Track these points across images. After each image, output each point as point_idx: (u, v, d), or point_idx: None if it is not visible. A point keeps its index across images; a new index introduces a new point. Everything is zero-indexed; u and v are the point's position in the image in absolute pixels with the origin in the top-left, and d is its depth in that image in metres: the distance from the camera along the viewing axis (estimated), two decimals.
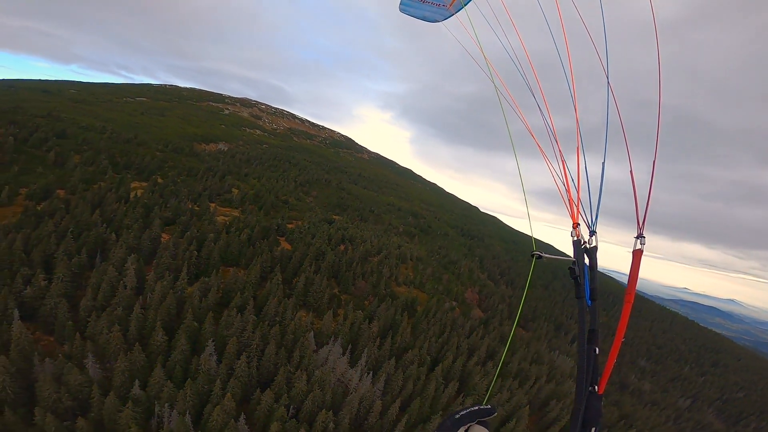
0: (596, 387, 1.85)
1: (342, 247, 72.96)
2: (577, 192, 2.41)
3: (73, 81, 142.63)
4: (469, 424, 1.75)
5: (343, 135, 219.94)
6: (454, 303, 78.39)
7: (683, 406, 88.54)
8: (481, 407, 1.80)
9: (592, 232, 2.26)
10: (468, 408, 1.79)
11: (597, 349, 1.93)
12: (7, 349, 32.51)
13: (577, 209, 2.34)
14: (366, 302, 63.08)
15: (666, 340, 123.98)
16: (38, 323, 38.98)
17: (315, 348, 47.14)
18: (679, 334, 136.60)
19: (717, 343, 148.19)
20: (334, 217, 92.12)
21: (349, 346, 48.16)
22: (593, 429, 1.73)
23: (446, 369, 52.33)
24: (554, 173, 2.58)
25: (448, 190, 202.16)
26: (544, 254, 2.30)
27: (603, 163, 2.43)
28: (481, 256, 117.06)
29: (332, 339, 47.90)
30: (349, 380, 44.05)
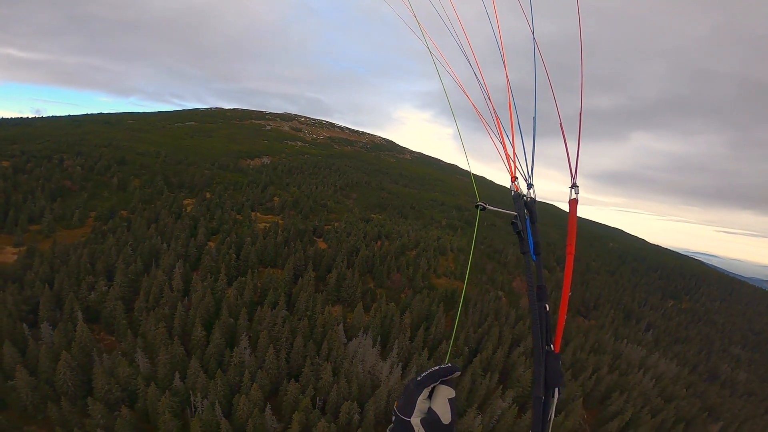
0: (552, 346, 1.83)
1: (378, 243, 74.02)
2: (512, 145, 2.45)
3: (131, 112, 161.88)
4: (432, 385, 1.73)
5: (383, 138, 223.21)
6: (500, 293, 75.61)
7: None
8: (443, 367, 1.76)
9: (530, 185, 2.30)
10: (429, 370, 1.75)
11: (547, 306, 1.92)
12: (70, 347, 37.61)
13: (514, 163, 2.39)
14: (402, 295, 63.26)
15: (765, 326, 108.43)
16: (101, 325, 44.71)
17: (345, 341, 48.25)
18: None
19: None
20: (373, 215, 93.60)
21: (378, 338, 48.60)
22: (556, 389, 1.72)
23: (486, 360, 50.62)
24: (489, 128, 2.61)
25: (497, 182, 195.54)
26: (487, 206, 2.32)
27: (534, 118, 2.47)
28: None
29: (362, 332, 48.73)
30: (380, 372, 44.46)
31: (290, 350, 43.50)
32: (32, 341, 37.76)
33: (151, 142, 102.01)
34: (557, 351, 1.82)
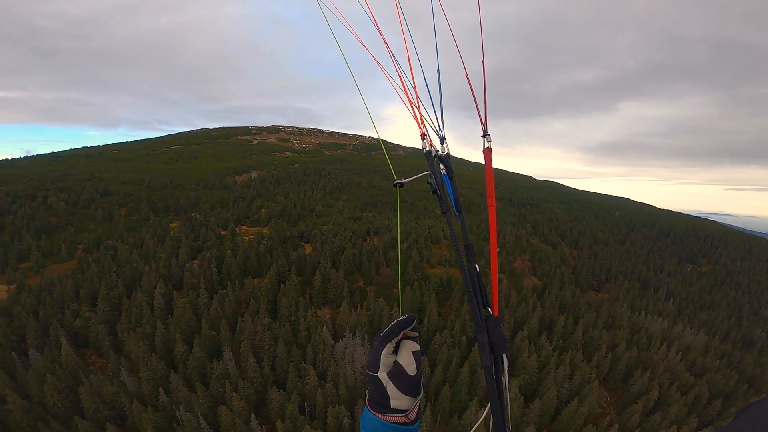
0: (490, 309, 1.74)
1: (367, 240, 74.98)
2: (417, 99, 2.36)
3: (115, 143, 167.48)
4: (396, 340, 1.78)
5: (374, 138, 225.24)
6: (501, 275, 75.46)
7: None
8: (400, 319, 1.79)
9: (442, 139, 2.19)
10: (389, 324, 1.79)
11: (477, 267, 1.82)
12: (55, 370, 39.55)
13: (422, 118, 2.28)
14: (394, 290, 63.94)
15: None
16: (90, 348, 46.97)
17: (332, 343, 48.97)
18: None
19: None
20: (363, 214, 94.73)
21: (367, 337, 49.18)
22: (504, 356, 1.62)
23: None
24: (391, 80, 2.53)
25: (494, 166, 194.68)
26: (404, 180, 2.23)
27: (438, 70, 2.41)
28: (535, 222, 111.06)
29: (347, 331, 49.40)
30: None
31: (274, 357, 44.55)
32: (20, 367, 39.91)
33: (135, 171, 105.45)
34: (496, 314, 1.72)
